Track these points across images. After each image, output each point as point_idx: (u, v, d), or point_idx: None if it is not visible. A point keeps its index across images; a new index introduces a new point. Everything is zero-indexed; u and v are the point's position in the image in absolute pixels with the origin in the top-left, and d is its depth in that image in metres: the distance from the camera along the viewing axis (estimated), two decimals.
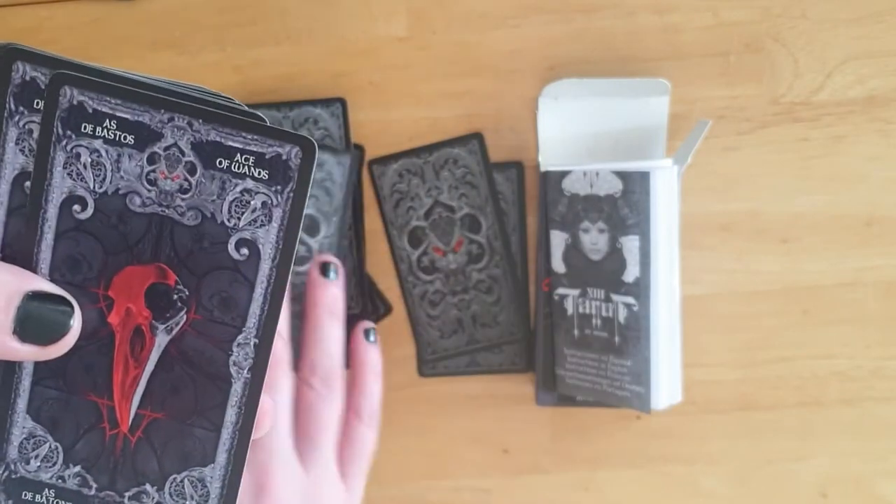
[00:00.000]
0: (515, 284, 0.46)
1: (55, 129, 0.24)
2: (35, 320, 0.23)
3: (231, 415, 0.26)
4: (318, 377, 0.38)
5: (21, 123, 0.24)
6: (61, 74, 0.24)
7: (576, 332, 0.44)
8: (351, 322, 0.44)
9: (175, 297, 0.25)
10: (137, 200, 0.25)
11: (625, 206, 0.41)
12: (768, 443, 0.46)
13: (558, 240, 0.44)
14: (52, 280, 0.25)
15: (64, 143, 0.24)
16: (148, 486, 0.26)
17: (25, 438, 0.26)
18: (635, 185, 0.40)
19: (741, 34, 0.44)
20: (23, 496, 0.26)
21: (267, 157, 0.24)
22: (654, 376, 0.41)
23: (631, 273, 0.41)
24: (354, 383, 0.41)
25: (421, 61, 0.45)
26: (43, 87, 0.24)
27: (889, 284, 0.45)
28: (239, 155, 0.24)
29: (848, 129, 0.45)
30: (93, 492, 0.26)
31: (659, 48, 0.44)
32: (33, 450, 0.26)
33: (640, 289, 0.41)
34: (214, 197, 0.25)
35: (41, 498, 0.26)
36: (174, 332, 0.25)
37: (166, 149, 0.24)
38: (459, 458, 0.46)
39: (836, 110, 0.45)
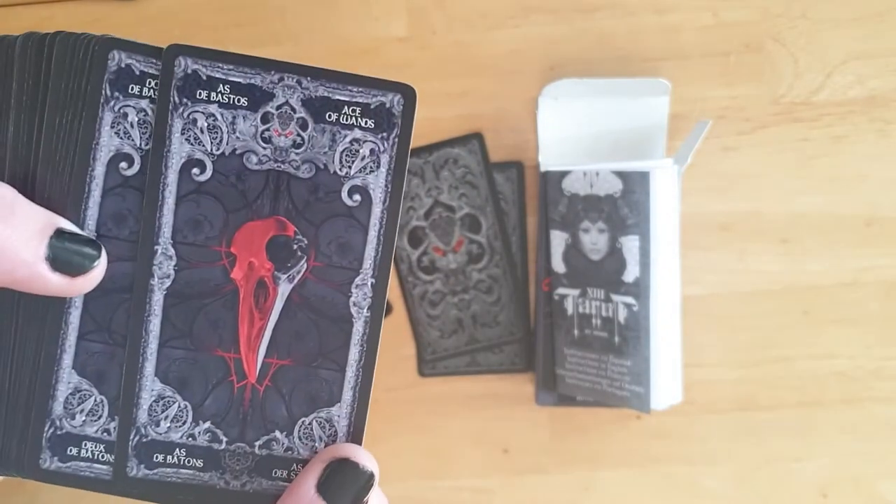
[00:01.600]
0: (515, 284, 0.46)
1: (171, 98, 0.25)
2: (66, 252, 0.24)
3: (354, 353, 0.27)
4: None
5: (116, 108, 0.25)
6: (176, 46, 0.25)
7: (576, 331, 0.44)
8: None
9: (295, 246, 0.26)
10: (254, 158, 0.26)
11: (625, 206, 0.41)
12: (768, 443, 0.46)
13: (558, 240, 0.44)
14: (174, 242, 0.26)
15: (181, 110, 0.26)
16: (277, 433, 0.27)
17: (155, 401, 0.27)
18: (635, 185, 0.40)
19: (741, 34, 0.44)
20: (154, 458, 0.27)
21: (372, 106, 0.26)
22: (653, 376, 0.41)
23: (631, 273, 0.41)
24: None
25: (421, 61, 0.45)
26: (137, 73, 0.25)
27: (889, 284, 0.45)
28: (346, 107, 0.26)
29: (848, 129, 0.45)
30: (223, 445, 0.27)
31: (659, 48, 0.45)
32: (163, 411, 0.27)
33: (640, 289, 0.41)
34: (326, 149, 0.26)
35: (172, 458, 0.27)
36: (296, 281, 0.26)
37: (279, 107, 0.26)
38: (459, 458, 0.46)
39: (836, 110, 0.45)
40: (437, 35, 0.45)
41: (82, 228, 0.26)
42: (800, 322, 0.45)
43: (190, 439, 0.27)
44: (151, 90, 0.25)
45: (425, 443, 0.46)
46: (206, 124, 0.26)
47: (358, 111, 0.26)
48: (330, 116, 0.26)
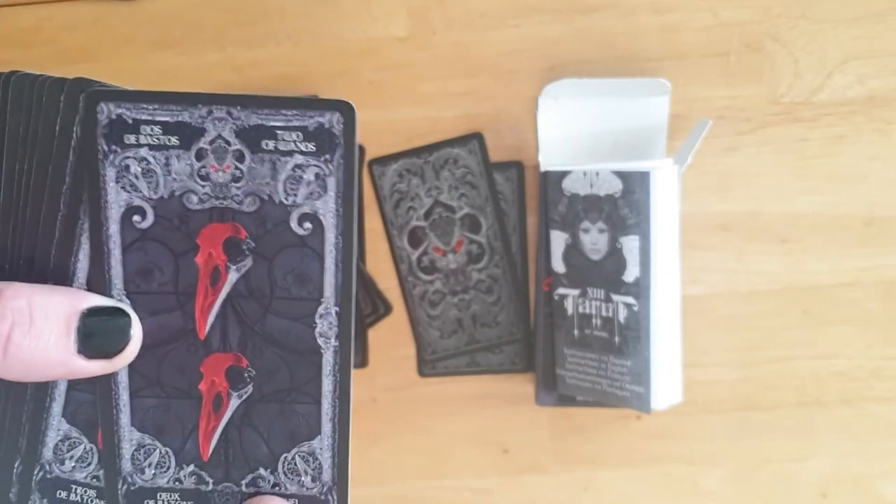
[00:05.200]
0: (515, 284, 0.46)
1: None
2: (97, 336, 0.24)
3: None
4: None
5: (117, 161, 0.25)
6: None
7: (576, 332, 0.44)
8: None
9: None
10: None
11: (625, 206, 0.41)
12: (768, 443, 0.46)
13: (558, 240, 0.44)
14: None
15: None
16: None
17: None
18: (635, 185, 0.40)
19: (741, 34, 0.44)
20: None
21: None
22: (654, 376, 0.41)
23: (631, 273, 0.41)
24: None
25: (421, 61, 0.45)
26: (130, 121, 0.25)
27: (889, 284, 0.45)
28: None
29: (848, 129, 0.45)
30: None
31: (659, 48, 0.45)
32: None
33: (640, 289, 0.41)
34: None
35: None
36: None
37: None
38: (459, 458, 0.46)
39: (836, 110, 0.45)
40: (437, 35, 0.45)
41: (110, 289, 0.26)
42: (800, 322, 0.45)
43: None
44: (149, 137, 0.25)
45: (425, 443, 0.46)
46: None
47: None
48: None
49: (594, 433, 0.46)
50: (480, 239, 0.46)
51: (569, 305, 0.44)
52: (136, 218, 0.25)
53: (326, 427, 0.27)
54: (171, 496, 0.27)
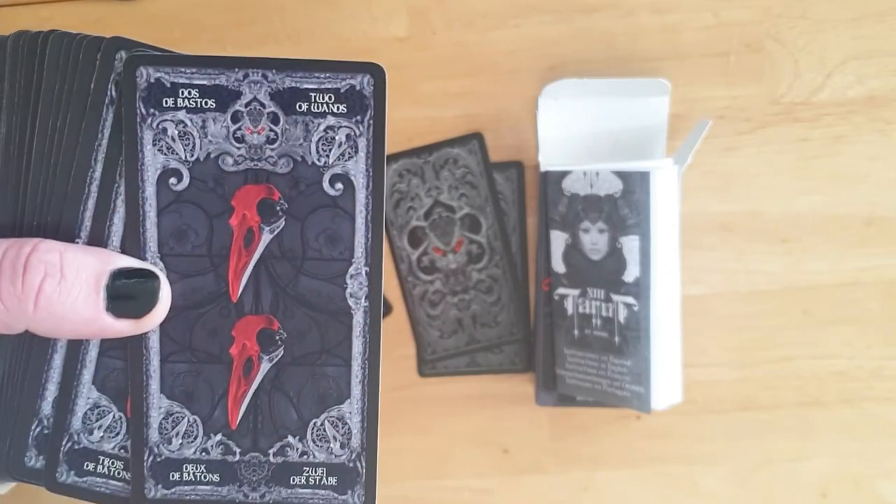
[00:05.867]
0: (515, 284, 0.46)
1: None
2: (125, 296, 0.24)
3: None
4: None
5: (154, 125, 0.25)
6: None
7: (576, 332, 0.44)
8: None
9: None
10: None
11: (625, 206, 0.41)
12: (768, 443, 0.46)
13: (558, 240, 0.44)
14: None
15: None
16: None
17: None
18: (635, 185, 0.40)
19: (741, 34, 0.44)
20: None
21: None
22: (654, 376, 0.41)
23: (631, 273, 0.41)
24: None
25: (421, 61, 0.45)
26: (168, 84, 0.25)
27: (889, 284, 0.45)
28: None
29: (848, 129, 0.45)
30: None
31: (659, 48, 0.45)
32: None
33: (640, 289, 0.41)
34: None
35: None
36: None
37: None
38: (459, 458, 0.46)
39: (836, 110, 0.45)
40: (437, 35, 0.45)
41: (144, 252, 0.26)
42: (800, 322, 0.45)
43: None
44: (186, 100, 0.25)
45: (425, 443, 0.46)
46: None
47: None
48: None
49: (594, 433, 0.46)
50: (480, 239, 0.46)
51: (569, 305, 0.44)
52: (172, 180, 0.26)
53: (356, 390, 0.27)
54: (196, 468, 0.26)
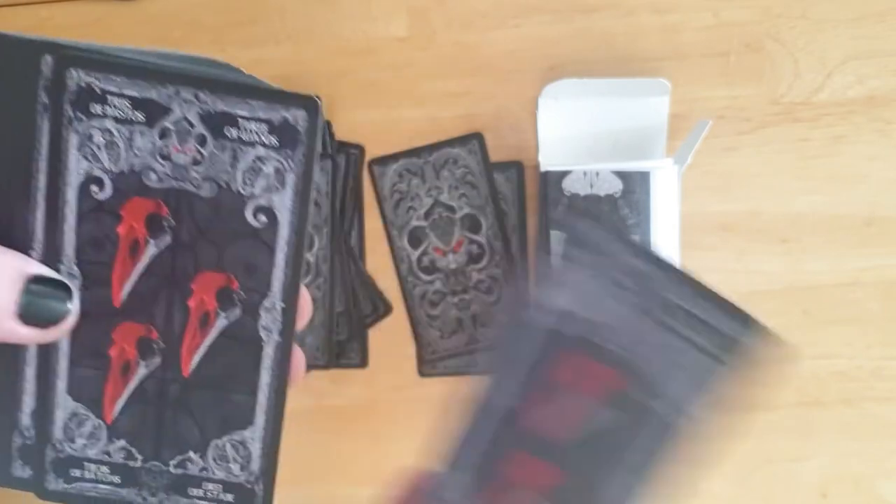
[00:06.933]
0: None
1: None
2: (37, 304, 0.24)
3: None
4: None
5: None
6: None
7: None
8: (338, 320, 0.44)
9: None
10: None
11: (625, 206, 0.41)
12: (768, 443, 0.45)
13: (558, 240, 0.44)
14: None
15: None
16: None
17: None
18: (635, 185, 0.40)
19: (741, 34, 0.44)
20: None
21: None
22: None
23: None
24: None
25: (421, 61, 0.45)
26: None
27: (889, 284, 0.45)
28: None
29: (848, 129, 0.45)
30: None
31: (659, 48, 0.45)
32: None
33: None
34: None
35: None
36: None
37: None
38: None
39: (836, 110, 0.45)
40: (437, 35, 0.45)
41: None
42: (800, 322, 0.45)
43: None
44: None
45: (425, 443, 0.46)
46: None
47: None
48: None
49: None
50: (480, 239, 0.46)
51: None
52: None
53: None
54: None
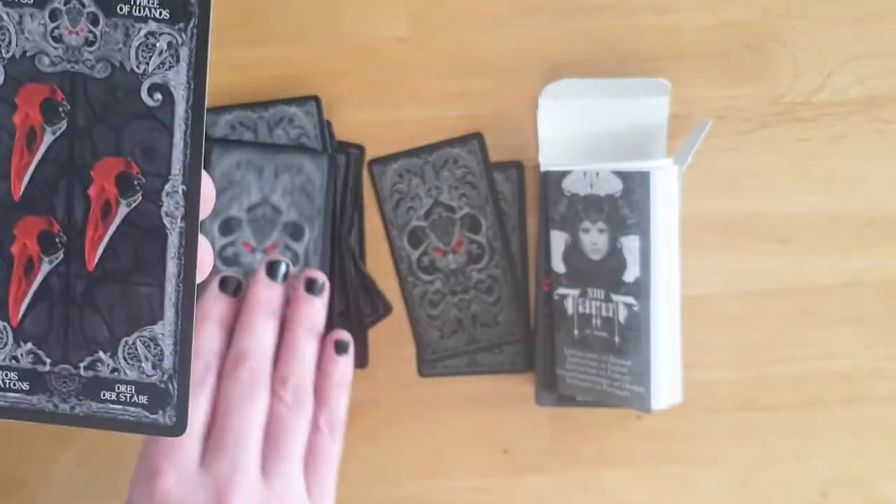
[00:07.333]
0: (515, 284, 0.46)
1: None
2: None
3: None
4: (289, 391, 0.38)
5: None
6: None
7: (576, 332, 0.44)
8: (338, 320, 0.44)
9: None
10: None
11: (625, 206, 0.41)
12: (768, 443, 0.46)
13: (558, 240, 0.44)
14: None
15: None
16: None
17: None
18: (635, 185, 0.40)
19: (741, 34, 0.44)
20: None
21: None
22: (654, 376, 0.41)
23: (631, 273, 0.41)
24: (319, 395, 0.40)
25: (421, 61, 0.45)
26: None
27: (889, 284, 0.45)
28: None
29: (848, 129, 0.45)
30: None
31: (659, 48, 0.45)
32: None
33: (640, 289, 0.41)
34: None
35: None
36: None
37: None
38: (459, 458, 0.46)
39: (836, 110, 0.45)
40: (436, 35, 0.45)
41: None
42: (800, 322, 0.45)
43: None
44: None
45: (425, 443, 0.46)
46: None
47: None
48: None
49: (594, 433, 0.46)
50: (480, 239, 0.46)
51: (569, 305, 0.44)
52: None
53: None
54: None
